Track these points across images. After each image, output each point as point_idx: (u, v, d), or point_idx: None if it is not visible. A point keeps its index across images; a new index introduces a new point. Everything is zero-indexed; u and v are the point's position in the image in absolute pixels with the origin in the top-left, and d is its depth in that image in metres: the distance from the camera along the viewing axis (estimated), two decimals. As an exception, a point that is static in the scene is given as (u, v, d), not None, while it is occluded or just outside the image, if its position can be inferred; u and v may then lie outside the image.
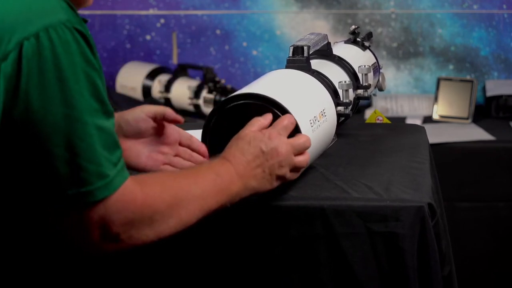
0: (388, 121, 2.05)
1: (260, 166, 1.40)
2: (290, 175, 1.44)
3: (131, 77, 3.47)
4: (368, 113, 3.27)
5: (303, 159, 1.44)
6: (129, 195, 1.23)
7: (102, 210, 1.21)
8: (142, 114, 1.56)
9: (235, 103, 1.48)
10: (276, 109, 1.45)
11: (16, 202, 1.25)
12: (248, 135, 1.42)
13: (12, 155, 1.19)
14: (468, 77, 3.40)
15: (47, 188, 1.19)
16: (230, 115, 1.48)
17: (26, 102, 1.16)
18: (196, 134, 1.59)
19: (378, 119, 2.05)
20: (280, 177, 1.42)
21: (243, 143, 1.40)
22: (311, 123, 1.49)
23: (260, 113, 1.45)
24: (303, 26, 3.47)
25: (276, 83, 1.55)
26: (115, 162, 1.22)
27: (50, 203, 1.20)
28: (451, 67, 3.45)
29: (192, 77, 3.46)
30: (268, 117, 1.45)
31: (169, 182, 1.31)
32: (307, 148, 1.45)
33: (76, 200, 1.19)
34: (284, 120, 1.44)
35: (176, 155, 1.59)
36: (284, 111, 1.45)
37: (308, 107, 1.51)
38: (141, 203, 1.24)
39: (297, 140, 1.44)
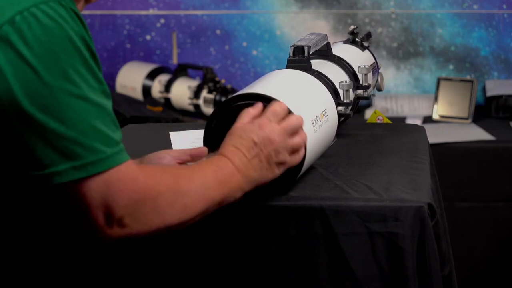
0: (389, 121, 2.05)
1: (256, 157, 1.38)
2: (291, 159, 1.42)
3: (131, 77, 3.47)
4: (368, 113, 3.27)
5: (299, 139, 1.42)
6: (131, 175, 1.21)
7: (103, 188, 1.19)
8: (167, 156, 1.52)
9: (237, 103, 1.48)
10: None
11: (23, 187, 1.25)
12: (238, 128, 1.40)
13: (9, 130, 1.18)
14: (468, 77, 3.40)
15: (42, 165, 1.18)
16: (232, 115, 1.48)
17: (21, 74, 1.15)
18: (197, 134, 1.59)
19: (378, 119, 2.05)
20: (280, 163, 1.41)
21: (235, 137, 1.39)
22: (313, 123, 1.49)
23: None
24: (303, 26, 3.47)
25: (277, 83, 1.55)
26: (116, 141, 1.20)
27: (47, 181, 1.19)
28: (451, 67, 3.46)
29: (192, 77, 3.46)
30: (258, 106, 1.43)
31: (170, 170, 1.30)
32: (300, 127, 1.43)
33: (70, 175, 1.18)
34: (274, 107, 1.42)
35: None
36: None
37: (310, 107, 1.51)
38: (143, 184, 1.22)
39: (289, 122, 1.41)
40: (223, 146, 1.40)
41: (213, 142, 1.50)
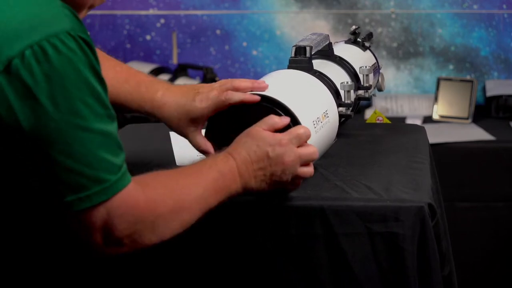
0: (388, 121, 2.05)
1: (262, 169, 1.39)
2: (290, 184, 1.43)
3: (131, 77, 3.46)
4: (368, 113, 3.27)
5: (307, 171, 1.43)
6: (131, 199, 1.23)
7: (104, 214, 1.22)
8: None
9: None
10: (280, 110, 1.45)
11: (24, 202, 1.27)
12: (258, 135, 1.40)
13: (17, 160, 1.20)
14: (468, 77, 3.40)
15: (50, 193, 1.20)
16: (234, 115, 1.48)
17: (31, 108, 1.16)
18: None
19: (378, 119, 2.05)
20: (280, 183, 1.42)
21: (251, 143, 1.40)
22: (314, 124, 1.49)
23: (264, 114, 1.45)
24: (303, 26, 3.47)
25: (279, 84, 1.54)
26: (119, 166, 1.22)
27: (52, 207, 1.21)
28: (451, 67, 3.46)
29: (192, 77, 3.46)
30: (285, 120, 1.43)
31: (172, 183, 1.31)
32: (314, 160, 1.44)
33: (74, 205, 1.20)
34: (300, 129, 1.42)
35: None
36: (288, 112, 1.45)
37: (311, 108, 1.51)
38: (144, 207, 1.25)
39: (306, 150, 1.42)
40: (235, 146, 1.40)
41: (214, 142, 1.50)
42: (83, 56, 1.18)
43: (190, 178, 1.34)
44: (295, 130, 1.42)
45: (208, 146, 1.51)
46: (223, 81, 1.53)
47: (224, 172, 1.36)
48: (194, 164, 1.38)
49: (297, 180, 1.44)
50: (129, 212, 1.23)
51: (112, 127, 1.22)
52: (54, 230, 1.33)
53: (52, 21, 1.17)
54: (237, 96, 1.47)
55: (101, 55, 1.60)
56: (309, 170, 1.43)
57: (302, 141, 1.41)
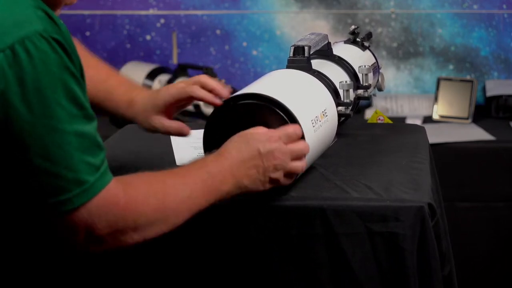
0: (390, 121, 2.05)
1: (255, 167, 1.39)
2: (284, 180, 1.43)
3: (131, 77, 3.46)
4: (368, 113, 3.27)
5: (299, 165, 1.43)
6: (111, 198, 1.23)
7: (84, 214, 1.22)
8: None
9: (237, 103, 1.48)
10: (278, 109, 1.45)
11: (7, 203, 1.26)
12: (248, 134, 1.41)
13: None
14: (468, 77, 3.40)
15: (30, 196, 1.20)
16: (232, 114, 1.48)
17: (4, 113, 1.15)
18: (197, 134, 1.59)
19: (379, 119, 2.05)
20: (273, 180, 1.42)
21: (241, 141, 1.40)
22: (312, 123, 1.49)
23: (263, 113, 1.45)
24: (303, 26, 3.47)
25: (277, 83, 1.55)
26: (97, 166, 1.22)
27: (34, 209, 1.21)
28: (451, 67, 3.46)
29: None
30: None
31: (157, 183, 1.31)
32: (305, 154, 1.44)
33: (56, 208, 1.20)
34: (289, 128, 1.43)
35: None
36: (286, 111, 1.45)
37: (309, 107, 1.51)
38: (124, 206, 1.25)
39: (296, 145, 1.42)
40: (225, 146, 1.40)
41: (213, 142, 1.50)
42: (56, 58, 1.17)
43: (177, 178, 1.34)
44: (284, 128, 1.42)
45: (178, 125, 1.56)
46: (195, 77, 1.57)
47: (213, 173, 1.35)
48: (183, 166, 1.38)
49: (290, 175, 1.43)
50: (109, 211, 1.23)
51: (89, 127, 1.21)
52: (39, 230, 1.33)
53: (24, 23, 1.16)
54: (200, 92, 1.51)
55: (83, 52, 1.60)
56: (301, 164, 1.43)
57: (291, 139, 1.42)
